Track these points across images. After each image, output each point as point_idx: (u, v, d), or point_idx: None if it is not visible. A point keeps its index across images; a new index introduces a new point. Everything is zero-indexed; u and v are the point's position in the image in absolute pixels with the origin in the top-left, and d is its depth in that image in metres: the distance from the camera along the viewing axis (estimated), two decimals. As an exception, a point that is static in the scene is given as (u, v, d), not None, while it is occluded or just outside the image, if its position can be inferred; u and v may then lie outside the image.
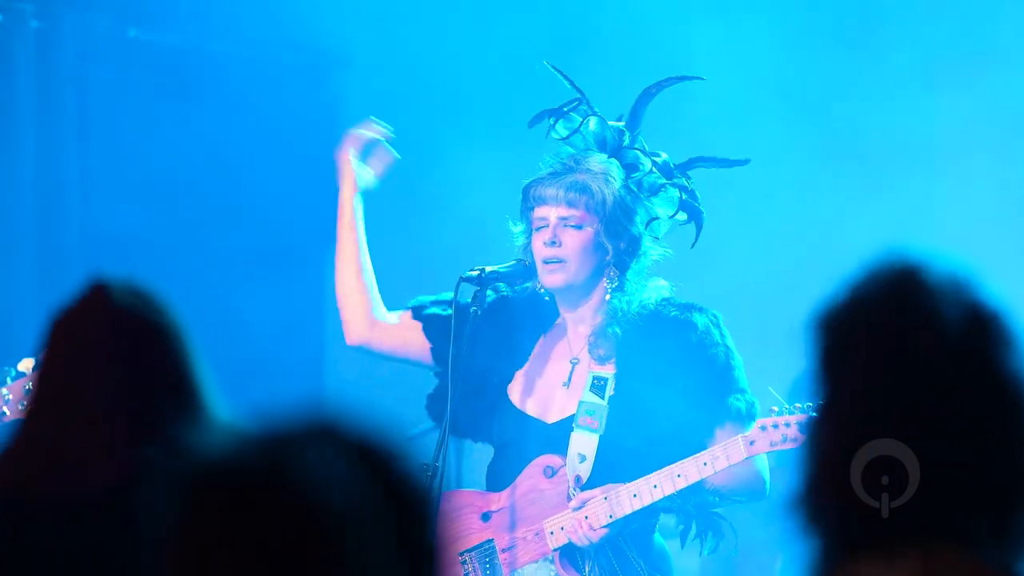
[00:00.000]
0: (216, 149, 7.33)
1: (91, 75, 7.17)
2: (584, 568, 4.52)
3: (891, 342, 1.83)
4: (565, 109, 4.66)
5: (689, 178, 4.68)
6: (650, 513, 4.54)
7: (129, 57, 7.26)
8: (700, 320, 4.57)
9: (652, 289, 4.64)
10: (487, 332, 4.62)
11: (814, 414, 1.88)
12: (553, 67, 4.71)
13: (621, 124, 4.69)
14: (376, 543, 1.65)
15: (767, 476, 4.54)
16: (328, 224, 7.94)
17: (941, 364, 1.80)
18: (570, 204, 4.58)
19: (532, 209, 4.63)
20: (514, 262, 4.64)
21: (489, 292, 4.63)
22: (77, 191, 7.12)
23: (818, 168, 7.09)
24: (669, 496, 4.44)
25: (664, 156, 4.68)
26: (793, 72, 7.11)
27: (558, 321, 4.74)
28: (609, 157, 4.64)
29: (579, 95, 4.67)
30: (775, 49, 7.15)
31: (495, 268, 4.61)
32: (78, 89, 7.13)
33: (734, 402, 4.49)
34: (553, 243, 4.58)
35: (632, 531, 4.53)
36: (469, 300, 4.61)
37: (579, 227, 4.58)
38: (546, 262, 4.59)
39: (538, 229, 4.62)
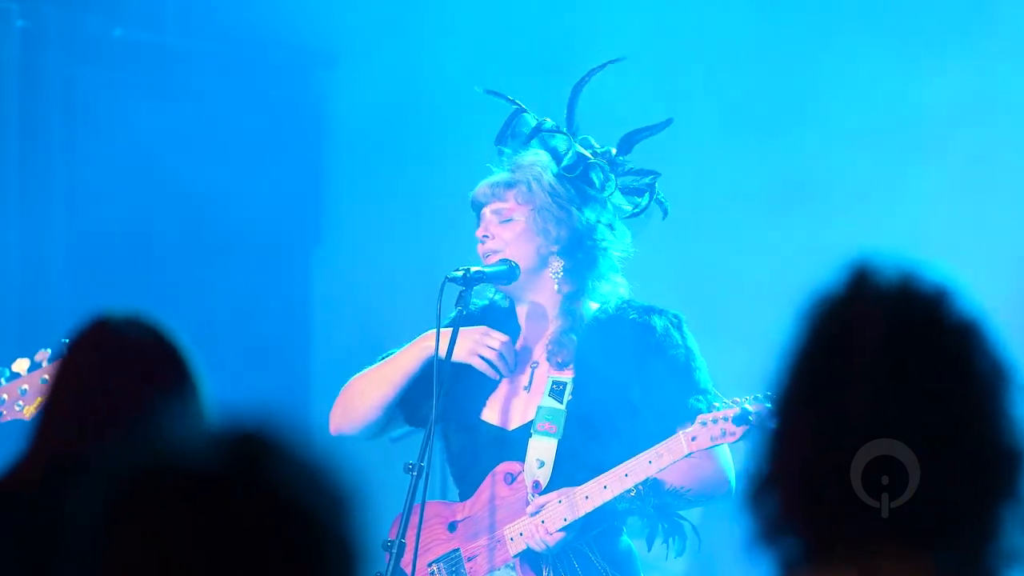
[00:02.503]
0: (202, 148, 7.33)
1: (77, 74, 7.16)
2: (543, 572, 4.52)
3: (841, 343, 1.84)
4: (508, 129, 4.71)
5: (626, 168, 4.68)
6: (615, 516, 4.53)
7: (115, 56, 7.26)
8: (659, 322, 4.56)
9: (611, 291, 4.65)
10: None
11: (772, 417, 1.89)
12: (487, 91, 4.77)
13: (556, 123, 4.73)
14: (307, 542, 1.68)
15: (732, 477, 4.54)
16: (315, 222, 7.96)
17: (888, 367, 1.81)
18: (498, 198, 4.64)
19: (478, 219, 4.69)
20: (499, 262, 4.64)
21: (453, 312, 4.62)
22: (62, 190, 7.11)
23: (790, 166, 7.10)
24: (628, 499, 4.43)
25: (599, 147, 4.69)
26: (768, 66, 7.12)
27: (517, 325, 4.74)
28: (539, 149, 4.67)
29: (517, 107, 4.72)
30: (752, 41, 7.16)
31: (480, 268, 4.61)
32: (64, 88, 7.12)
33: (695, 403, 4.46)
34: (486, 237, 4.63)
35: (596, 535, 4.53)
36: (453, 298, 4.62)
37: (510, 219, 4.62)
38: (483, 256, 4.63)
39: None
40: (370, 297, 7.54)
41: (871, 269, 1.85)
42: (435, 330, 4.58)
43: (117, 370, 2.63)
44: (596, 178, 4.63)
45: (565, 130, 4.69)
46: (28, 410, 4.83)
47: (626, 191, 4.68)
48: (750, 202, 7.12)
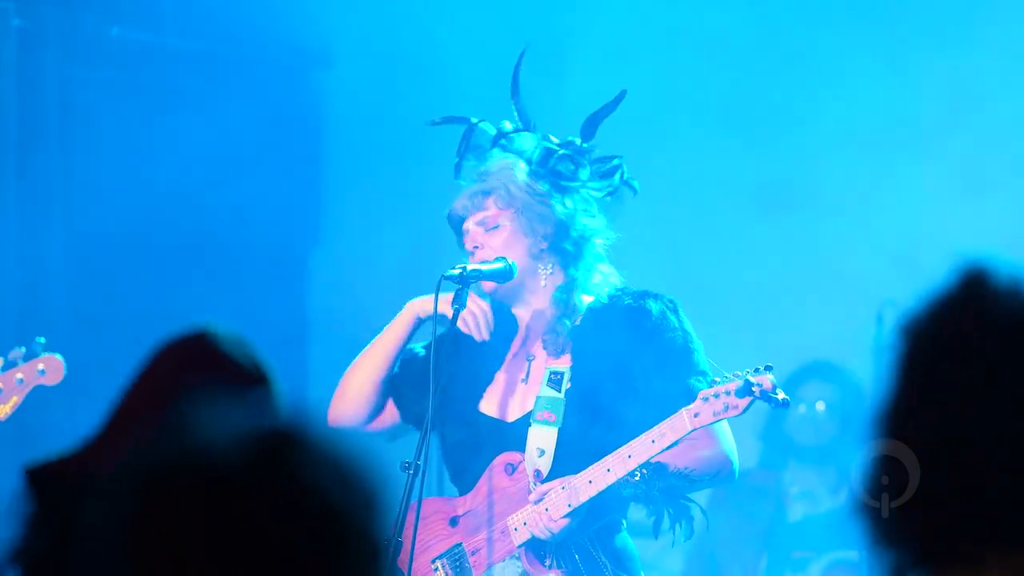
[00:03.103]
0: (199, 148, 7.32)
1: (73, 73, 7.16)
2: (546, 562, 4.51)
3: (957, 348, 1.81)
4: (463, 146, 4.73)
5: (593, 155, 4.69)
6: (616, 508, 4.53)
7: (111, 55, 7.26)
8: (655, 306, 4.57)
9: (602, 282, 4.65)
10: (458, 347, 4.63)
11: (885, 421, 1.85)
12: (434, 121, 4.79)
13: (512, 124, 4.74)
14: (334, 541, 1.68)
15: (735, 457, 4.53)
16: (313, 223, 7.96)
17: (1005, 373, 1.78)
18: (480, 208, 4.65)
19: (460, 233, 4.70)
20: (495, 260, 4.64)
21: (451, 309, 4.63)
22: (60, 189, 7.11)
23: (786, 155, 7.10)
24: (633, 483, 4.42)
25: (557, 140, 4.70)
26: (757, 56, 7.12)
27: (514, 320, 4.74)
28: (505, 152, 4.68)
29: (466, 124, 4.74)
30: (746, 39, 7.16)
31: (477, 266, 4.62)
32: (60, 87, 7.11)
33: (696, 384, 4.46)
34: (476, 248, 4.63)
35: (597, 530, 4.52)
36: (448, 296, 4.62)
37: (496, 227, 4.64)
38: None
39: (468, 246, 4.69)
40: (368, 297, 7.52)
41: (987, 272, 1.82)
42: (422, 296, 4.62)
43: (206, 385, 2.60)
44: (566, 168, 4.65)
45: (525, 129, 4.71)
46: (3, 410, 4.81)
47: (596, 175, 4.69)
48: (744, 199, 7.12)
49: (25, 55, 7.01)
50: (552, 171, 4.64)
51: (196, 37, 7.47)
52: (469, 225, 4.67)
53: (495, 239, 4.63)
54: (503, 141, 4.69)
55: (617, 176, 4.69)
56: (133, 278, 7.21)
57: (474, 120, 4.74)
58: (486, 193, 4.65)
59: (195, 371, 2.60)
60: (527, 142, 4.68)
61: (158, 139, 7.28)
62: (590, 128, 4.71)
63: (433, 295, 4.58)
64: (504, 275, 4.62)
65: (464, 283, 4.58)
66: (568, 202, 4.63)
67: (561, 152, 4.65)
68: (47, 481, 2.54)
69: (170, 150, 7.28)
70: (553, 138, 4.70)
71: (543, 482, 4.51)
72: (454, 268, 4.59)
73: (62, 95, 7.11)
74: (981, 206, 6.68)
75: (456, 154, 4.75)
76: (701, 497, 4.63)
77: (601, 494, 4.42)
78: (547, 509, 4.46)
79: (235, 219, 7.38)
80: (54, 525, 2.49)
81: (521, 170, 4.64)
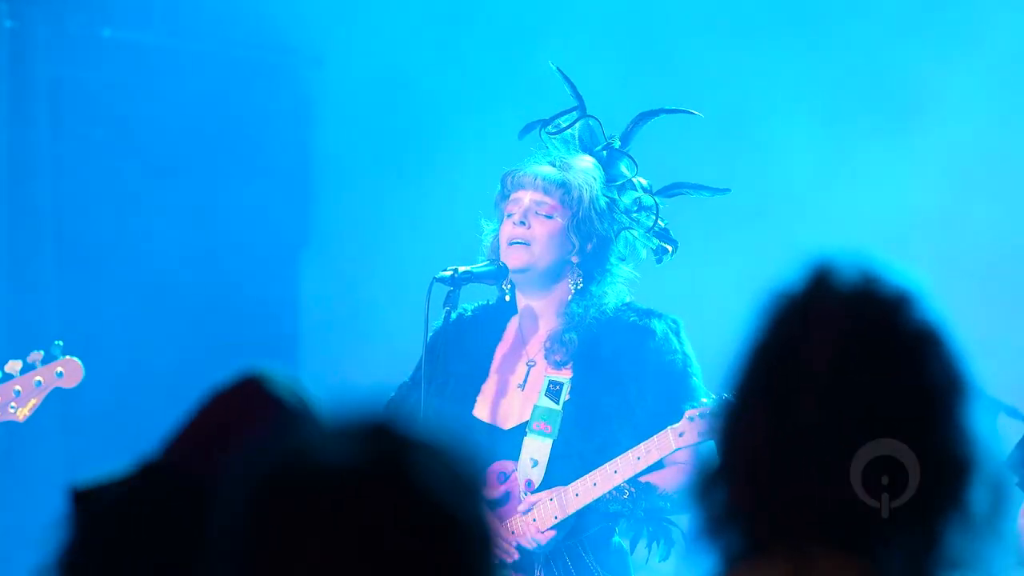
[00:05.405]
0: (189, 148, 7.33)
1: (65, 75, 7.15)
2: (535, 573, 4.53)
3: (797, 344, 1.83)
4: (561, 123, 4.70)
5: (658, 211, 4.71)
6: (606, 517, 4.55)
7: (103, 57, 7.25)
8: (659, 327, 4.58)
9: (612, 294, 4.66)
10: (450, 350, 4.63)
11: (726, 411, 1.88)
12: (559, 70, 4.74)
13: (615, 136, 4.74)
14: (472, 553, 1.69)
15: None
16: (303, 223, 7.95)
17: (841, 372, 1.80)
18: (545, 192, 4.62)
19: (507, 196, 4.66)
20: (487, 262, 4.64)
21: (442, 314, 4.62)
22: (50, 191, 7.10)
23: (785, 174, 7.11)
24: (620, 500, 4.45)
25: (646, 182, 4.70)
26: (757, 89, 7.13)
27: (514, 323, 4.74)
28: (596, 161, 4.67)
29: (577, 103, 4.71)
30: (722, 37, 7.16)
31: (468, 268, 4.62)
32: (51, 89, 7.11)
33: (691, 409, 4.49)
34: (522, 223, 4.61)
35: (590, 535, 4.54)
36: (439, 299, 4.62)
37: (550, 216, 4.61)
38: (511, 243, 4.61)
39: (510, 215, 4.64)
40: (359, 298, 7.54)
41: (832, 271, 1.84)
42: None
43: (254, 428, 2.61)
44: (638, 214, 4.65)
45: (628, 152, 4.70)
46: (22, 412, 4.81)
47: (651, 230, 4.69)
48: (728, 207, 7.12)
49: (16, 56, 7.01)
50: (619, 196, 4.64)
51: (186, 37, 7.47)
52: (525, 198, 4.63)
53: (544, 227, 4.61)
54: (603, 153, 4.67)
55: (664, 251, 4.69)
56: (123, 279, 7.20)
57: (584, 110, 4.71)
58: (560, 184, 4.62)
59: (253, 410, 2.62)
60: (624, 167, 4.67)
61: (149, 139, 7.28)
62: (672, 191, 4.73)
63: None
64: (495, 276, 4.63)
65: (456, 285, 4.58)
66: (614, 227, 4.63)
67: (643, 196, 4.65)
68: (97, 505, 2.54)
69: (161, 150, 7.28)
70: (641, 180, 4.69)
71: (534, 493, 4.53)
72: (445, 270, 4.59)
73: (53, 96, 7.10)
74: (963, 203, 6.70)
75: (546, 121, 4.70)
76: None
77: (589, 509, 4.45)
78: (535, 520, 4.48)
79: (226, 218, 7.39)
80: (103, 549, 2.50)
81: (598, 182, 4.63)
